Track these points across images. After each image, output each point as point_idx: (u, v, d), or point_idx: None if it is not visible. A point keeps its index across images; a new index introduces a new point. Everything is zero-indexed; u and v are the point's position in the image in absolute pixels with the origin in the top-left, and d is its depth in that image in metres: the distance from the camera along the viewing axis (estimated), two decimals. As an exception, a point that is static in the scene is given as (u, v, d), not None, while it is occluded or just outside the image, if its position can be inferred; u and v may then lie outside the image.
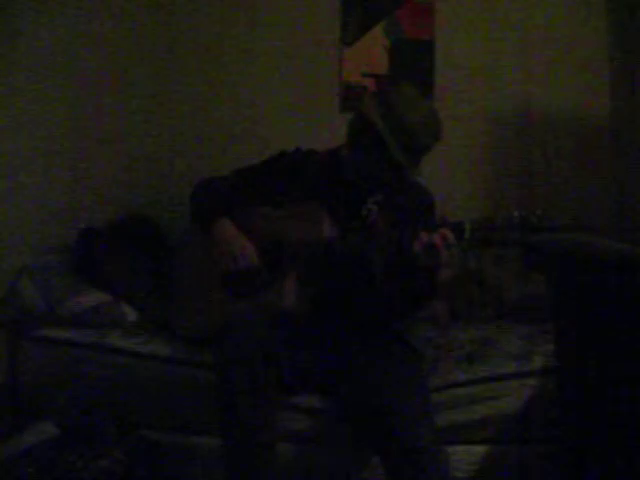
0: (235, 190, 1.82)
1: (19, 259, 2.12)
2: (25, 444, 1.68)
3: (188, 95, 2.71)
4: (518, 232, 1.43)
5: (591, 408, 1.59)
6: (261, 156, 1.91)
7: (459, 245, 1.46)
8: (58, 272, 2.17)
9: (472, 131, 2.67)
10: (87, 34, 2.45)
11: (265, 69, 2.68)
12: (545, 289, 2.13)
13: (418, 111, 1.61)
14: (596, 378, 1.57)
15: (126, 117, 2.64)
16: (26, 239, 2.17)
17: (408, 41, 2.66)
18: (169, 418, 1.86)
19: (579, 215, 2.57)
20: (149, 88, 2.68)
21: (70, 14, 2.37)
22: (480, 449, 1.76)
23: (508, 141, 2.67)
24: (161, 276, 2.19)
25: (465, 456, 1.74)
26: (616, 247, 1.58)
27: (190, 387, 1.81)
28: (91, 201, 2.49)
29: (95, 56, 2.48)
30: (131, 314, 2.12)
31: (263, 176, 1.83)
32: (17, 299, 2.05)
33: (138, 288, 2.19)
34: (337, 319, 1.71)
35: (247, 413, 1.50)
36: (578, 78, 2.61)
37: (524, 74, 2.63)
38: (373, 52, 2.63)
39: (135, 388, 1.88)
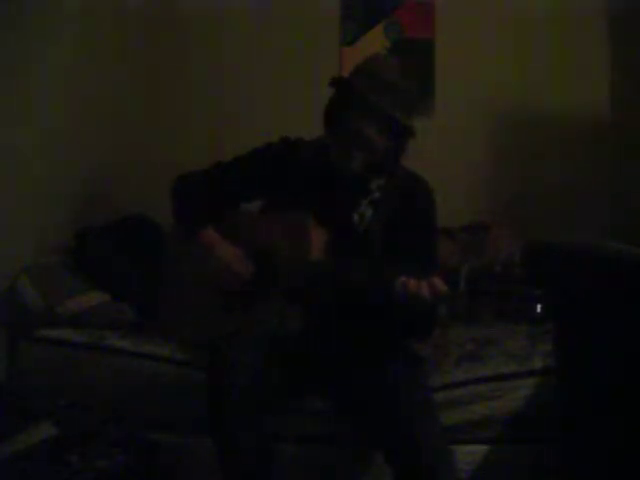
0: (217, 186, 1.72)
1: (19, 259, 2.12)
2: (25, 444, 1.67)
3: (188, 95, 2.71)
4: (519, 284, 1.34)
5: (591, 408, 1.59)
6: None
7: (451, 294, 1.35)
8: (58, 272, 2.17)
9: (472, 131, 2.67)
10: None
11: (265, 69, 2.68)
12: (545, 289, 2.13)
13: (392, 66, 1.58)
14: (596, 378, 1.57)
15: (126, 117, 2.65)
16: (26, 239, 2.17)
17: (408, 41, 2.66)
18: (169, 418, 1.86)
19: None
20: (149, 88, 2.69)
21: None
22: (480, 449, 1.77)
23: (508, 141, 2.67)
24: (160, 276, 2.19)
25: (465, 456, 1.74)
26: (616, 248, 1.58)
27: (190, 387, 1.81)
28: (91, 201, 2.49)
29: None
30: (131, 314, 2.12)
31: (247, 170, 1.72)
32: (17, 299, 2.04)
33: (138, 288, 2.19)
34: (332, 334, 1.63)
35: (238, 424, 1.47)
36: (578, 78, 2.61)
37: (524, 74, 2.63)
38: (373, 52, 2.63)
39: (135, 388, 1.88)
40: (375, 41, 2.65)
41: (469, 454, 1.75)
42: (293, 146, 1.74)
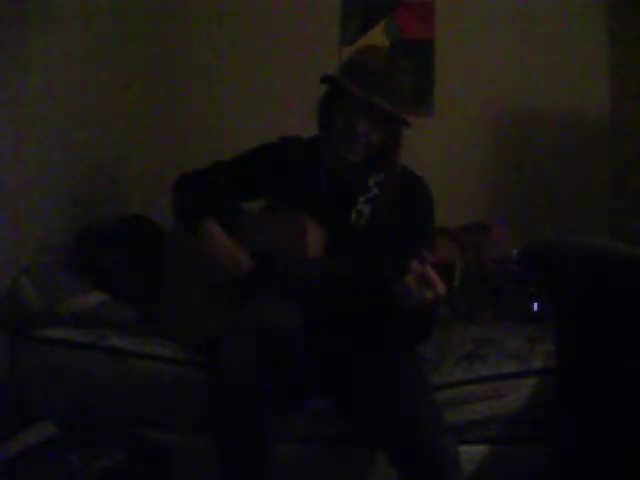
0: (218, 185, 1.73)
1: (19, 259, 2.12)
2: (25, 444, 1.67)
3: (189, 96, 2.71)
4: (513, 282, 1.34)
5: (591, 408, 1.59)
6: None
7: (447, 290, 1.33)
8: (58, 272, 2.17)
9: (472, 131, 2.67)
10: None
11: (265, 69, 2.68)
12: (543, 289, 2.13)
13: (381, 57, 1.56)
14: (596, 378, 1.57)
15: (125, 117, 2.65)
16: (26, 239, 2.17)
17: (408, 41, 2.66)
18: (169, 418, 1.86)
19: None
20: (149, 88, 2.69)
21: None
22: (480, 449, 1.77)
23: (508, 141, 2.67)
24: (161, 276, 2.19)
25: (465, 456, 1.74)
26: (616, 248, 1.58)
27: (190, 387, 1.81)
28: (91, 201, 2.49)
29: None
30: (131, 314, 2.12)
31: (246, 170, 1.73)
32: (17, 299, 2.04)
33: (138, 288, 2.18)
34: (330, 332, 1.64)
35: (238, 423, 1.47)
36: (578, 78, 2.61)
37: (524, 74, 2.63)
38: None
39: (135, 388, 1.88)
40: (375, 41, 2.64)
41: (469, 454, 1.75)
42: (291, 145, 1.75)
